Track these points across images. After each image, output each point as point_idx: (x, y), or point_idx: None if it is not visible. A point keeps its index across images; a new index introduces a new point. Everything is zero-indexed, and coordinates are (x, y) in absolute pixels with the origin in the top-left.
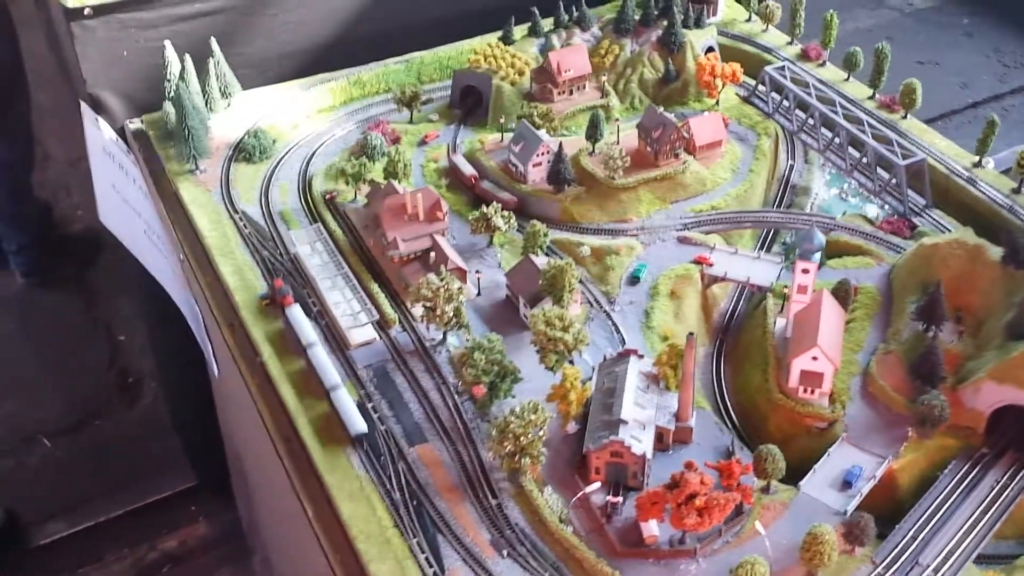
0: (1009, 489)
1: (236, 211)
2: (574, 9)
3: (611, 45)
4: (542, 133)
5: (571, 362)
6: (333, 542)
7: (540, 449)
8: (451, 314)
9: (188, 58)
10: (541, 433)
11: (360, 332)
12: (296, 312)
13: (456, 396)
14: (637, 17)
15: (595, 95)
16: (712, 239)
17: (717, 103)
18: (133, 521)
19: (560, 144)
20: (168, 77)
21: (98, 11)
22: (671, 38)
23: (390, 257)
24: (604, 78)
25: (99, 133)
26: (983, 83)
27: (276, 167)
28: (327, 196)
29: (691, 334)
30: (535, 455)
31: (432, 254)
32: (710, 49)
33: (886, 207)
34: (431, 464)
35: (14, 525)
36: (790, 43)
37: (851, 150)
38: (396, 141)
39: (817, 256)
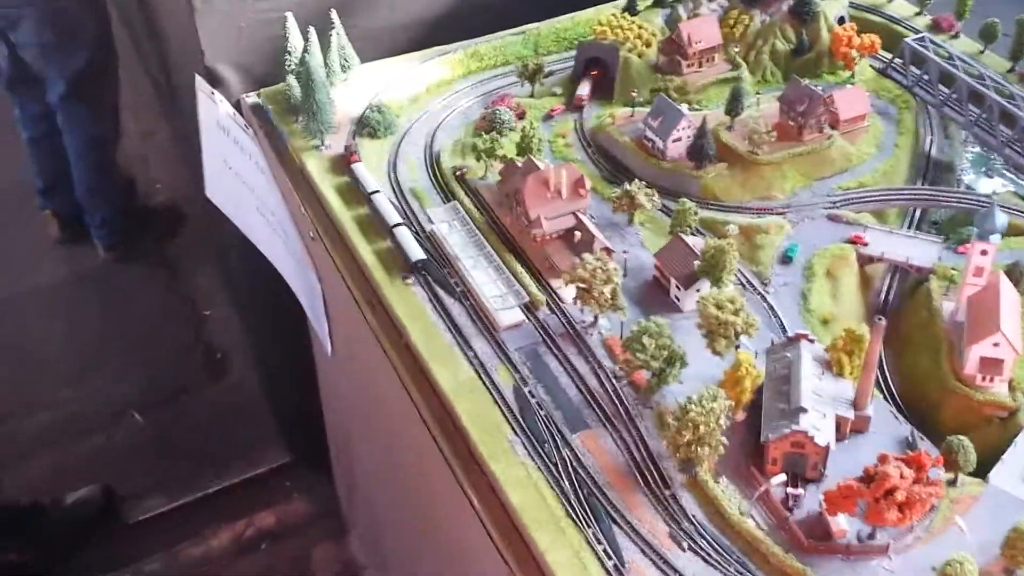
0: None
1: (368, 188)
2: None
3: (740, 15)
4: (682, 107)
5: (737, 347)
6: (502, 531)
7: (720, 439)
8: (608, 296)
9: (312, 31)
10: (722, 421)
11: (509, 314)
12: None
13: (614, 380)
14: None
15: (725, 67)
16: (864, 217)
17: (853, 76)
18: (230, 497)
19: (704, 118)
20: (289, 50)
21: None
22: (804, 7)
23: (532, 236)
24: (736, 49)
25: (214, 107)
26: None
27: (400, 142)
28: (457, 172)
29: (880, 318)
30: (714, 445)
31: (577, 233)
32: (841, 20)
33: None
34: (596, 452)
35: (111, 501)
36: (919, 13)
37: (1002, 126)
38: (521, 116)
39: (998, 237)
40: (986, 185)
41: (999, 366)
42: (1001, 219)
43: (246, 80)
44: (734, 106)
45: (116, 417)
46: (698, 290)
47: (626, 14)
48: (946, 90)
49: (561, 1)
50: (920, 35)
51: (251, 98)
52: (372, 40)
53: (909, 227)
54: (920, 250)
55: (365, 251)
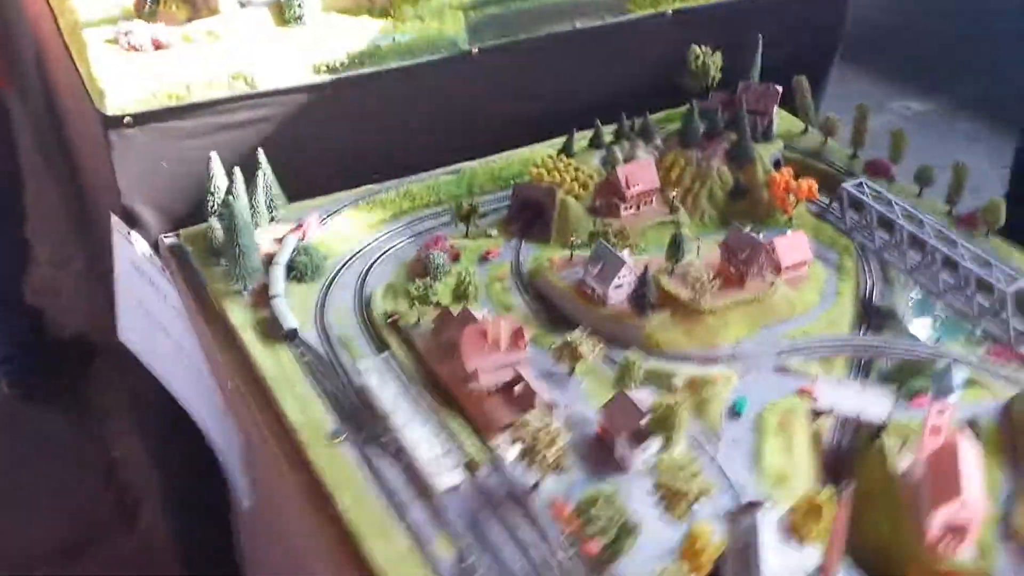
0: None
1: (294, 334)
2: (635, 120)
3: (676, 158)
4: (623, 253)
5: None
6: None
7: None
8: (552, 458)
9: (238, 171)
10: None
11: (447, 477)
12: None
13: (562, 551)
14: (702, 129)
15: (663, 210)
16: (812, 368)
17: (791, 220)
18: None
19: (646, 267)
20: (212, 190)
21: (138, 120)
22: (740, 151)
23: (470, 390)
24: (674, 193)
25: (131, 248)
26: (999, 191)
27: (329, 286)
28: (390, 319)
29: (845, 485)
30: None
31: (517, 387)
32: (777, 163)
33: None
34: None
35: None
36: (853, 156)
37: (943, 274)
38: (456, 258)
39: (956, 397)
40: (929, 334)
41: (963, 531)
42: (959, 377)
43: (165, 220)
44: (675, 252)
45: (20, 569)
46: (644, 450)
47: (562, 155)
48: (885, 235)
49: (495, 140)
50: (858, 180)
51: (170, 239)
52: (299, 179)
53: (856, 378)
54: (871, 403)
55: (291, 407)
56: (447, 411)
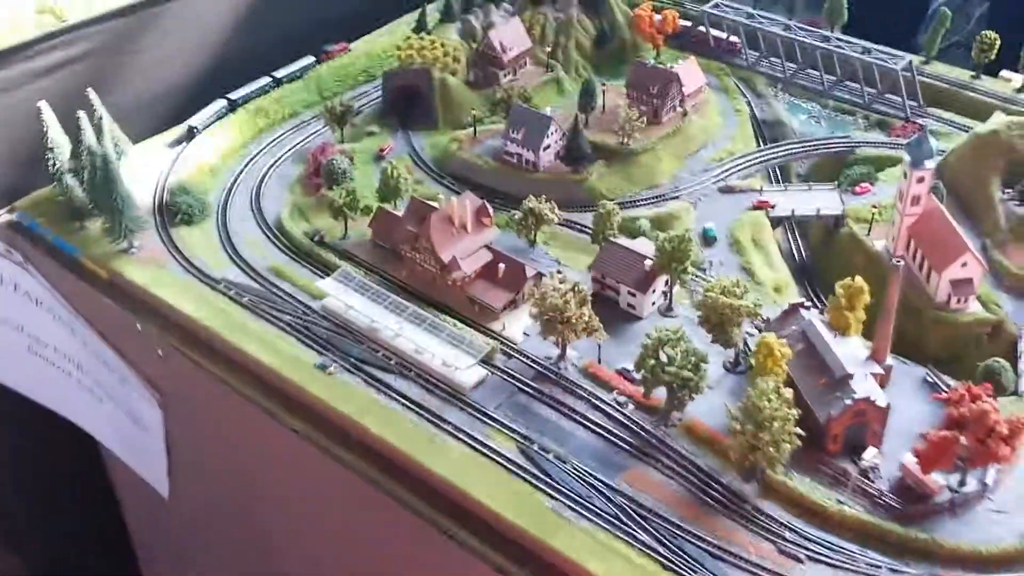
0: None
1: (217, 281)
2: None
3: (534, 16)
4: (546, 111)
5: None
6: None
7: (794, 431)
8: (586, 321)
9: (84, 116)
10: (793, 412)
11: (470, 373)
12: None
13: (620, 408)
14: None
15: (539, 70)
16: (755, 183)
17: (658, 54)
18: None
19: (575, 117)
20: (50, 146)
21: None
22: None
23: (450, 281)
24: (547, 49)
25: None
26: None
27: (224, 222)
28: (316, 237)
29: (898, 261)
30: (790, 439)
31: (500, 266)
32: (633, 5)
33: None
34: (649, 488)
35: None
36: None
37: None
38: (350, 161)
39: (933, 162)
40: (817, 132)
41: (970, 286)
42: (931, 145)
43: None
44: (589, 101)
45: None
46: (654, 291)
47: (421, 35)
48: (754, 51)
49: (308, 40)
50: (713, 2)
51: (3, 216)
52: (134, 115)
53: (777, 183)
54: (824, 200)
55: (258, 351)
56: (429, 310)
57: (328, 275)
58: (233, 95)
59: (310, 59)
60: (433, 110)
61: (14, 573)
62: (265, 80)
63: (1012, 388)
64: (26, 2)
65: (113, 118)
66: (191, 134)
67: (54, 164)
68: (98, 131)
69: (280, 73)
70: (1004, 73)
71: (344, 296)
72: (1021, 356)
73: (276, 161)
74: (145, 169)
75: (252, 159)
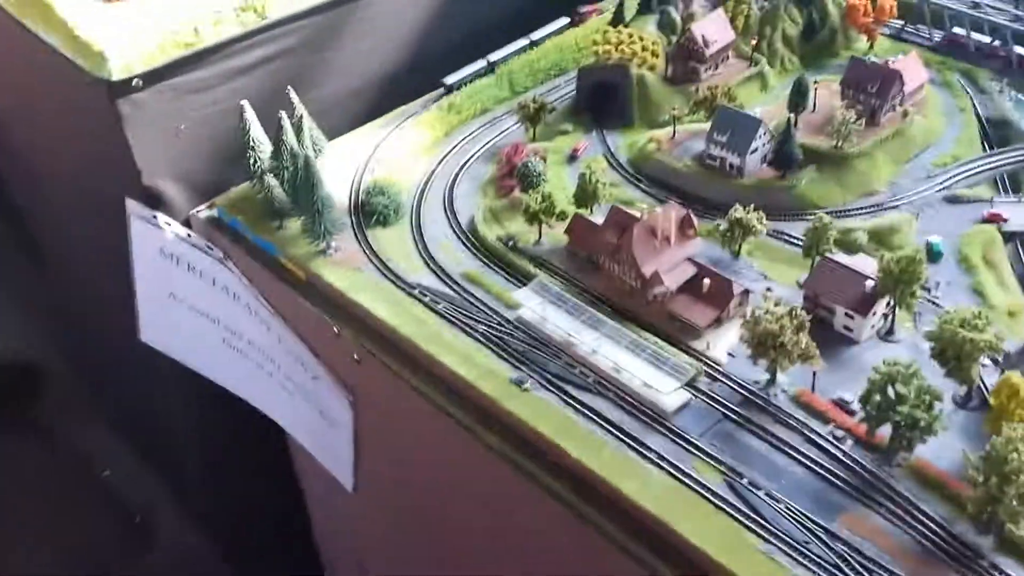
0: None
1: (412, 286)
2: None
3: (739, 5)
4: (754, 112)
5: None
6: None
7: None
8: (803, 347)
9: (284, 116)
10: None
11: (674, 396)
12: None
13: (838, 444)
14: None
15: (743, 64)
16: (984, 192)
17: (872, 47)
18: None
19: (789, 120)
20: (252, 144)
21: (147, 80)
22: None
23: (651, 297)
24: (753, 42)
25: (156, 232)
26: None
27: (419, 224)
28: (509, 243)
29: None
30: None
31: (705, 281)
32: None
33: None
34: (871, 535)
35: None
36: None
37: None
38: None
39: None
40: None
41: None
42: None
43: (192, 193)
44: (800, 101)
45: None
46: (874, 313)
47: (617, 28)
48: (981, 39)
49: (503, 32)
50: None
51: (205, 212)
52: (331, 112)
53: (1008, 193)
54: None
55: (454, 362)
56: (627, 325)
57: (522, 283)
58: (493, 56)
59: (564, 20)
60: (629, 108)
61: (205, 551)
62: (522, 42)
63: None
64: (226, 1)
65: (311, 112)
66: (448, 90)
67: (255, 163)
68: (298, 130)
69: (536, 35)
70: None
71: (540, 308)
72: None
73: (468, 160)
74: (341, 167)
75: (444, 158)
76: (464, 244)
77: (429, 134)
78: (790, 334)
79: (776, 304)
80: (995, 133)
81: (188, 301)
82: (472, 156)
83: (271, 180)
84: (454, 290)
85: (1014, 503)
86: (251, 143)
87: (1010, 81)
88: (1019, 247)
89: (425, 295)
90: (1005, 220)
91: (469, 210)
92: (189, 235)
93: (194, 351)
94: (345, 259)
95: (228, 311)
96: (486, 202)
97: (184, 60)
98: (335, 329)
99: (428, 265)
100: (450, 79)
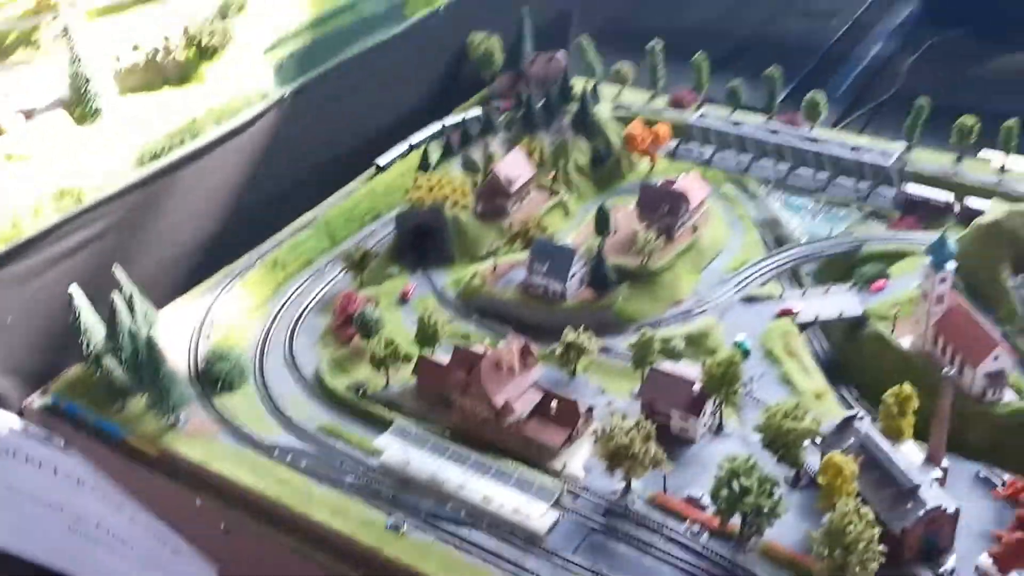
0: None
1: (271, 448)
2: (444, 121)
3: (532, 143)
4: (567, 243)
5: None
6: None
7: (877, 548)
8: (652, 454)
9: (118, 298)
10: (875, 531)
11: (543, 519)
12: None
13: (695, 538)
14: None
15: (543, 196)
16: (773, 290)
17: (653, 168)
18: None
19: (599, 247)
20: (83, 328)
21: None
22: (586, 119)
23: (507, 425)
24: (551, 175)
25: None
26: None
27: (264, 383)
28: (360, 391)
29: (948, 373)
30: (875, 557)
31: (553, 403)
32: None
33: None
34: None
35: None
36: (654, 96)
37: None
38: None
39: (953, 263)
40: (820, 229)
41: (1003, 377)
42: (952, 248)
43: (21, 382)
44: (605, 226)
45: None
46: (704, 413)
47: (424, 173)
48: (742, 156)
49: (323, 179)
50: (700, 114)
51: (40, 399)
52: (154, 282)
53: (793, 288)
54: (844, 301)
55: (327, 517)
56: (488, 455)
57: (381, 429)
58: (413, 139)
59: (371, 170)
60: (449, 247)
61: None
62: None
63: None
64: (42, 190)
65: (137, 285)
66: (378, 171)
67: (89, 346)
68: (130, 308)
69: (345, 188)
70: (984, 152)
71: (403, 451)
72: None
73: (302, 314)
74: (175, 336)
75: (278, 314)
76: (314, 397)
77: (258, 292)
78: (640, 444)
79: (623, 417)
80: (770, 233)
81: (28, 492)
82: (305, 309)
83: (110, 362)
84: (314, 445)
85: (857, 570)
86: (83, 328)
87: (776, 187)
88: (812, 335)
89: (286, 455)
90: (796, 313)
91: (312, 363)
92: (26, 427)
93: (35, 543)
94: (197, 430)
95: (74, 498)
96: (328, 353)
97: (5, 255)
98: (196, 501)
99: (283, 424)
100: (414, 139)
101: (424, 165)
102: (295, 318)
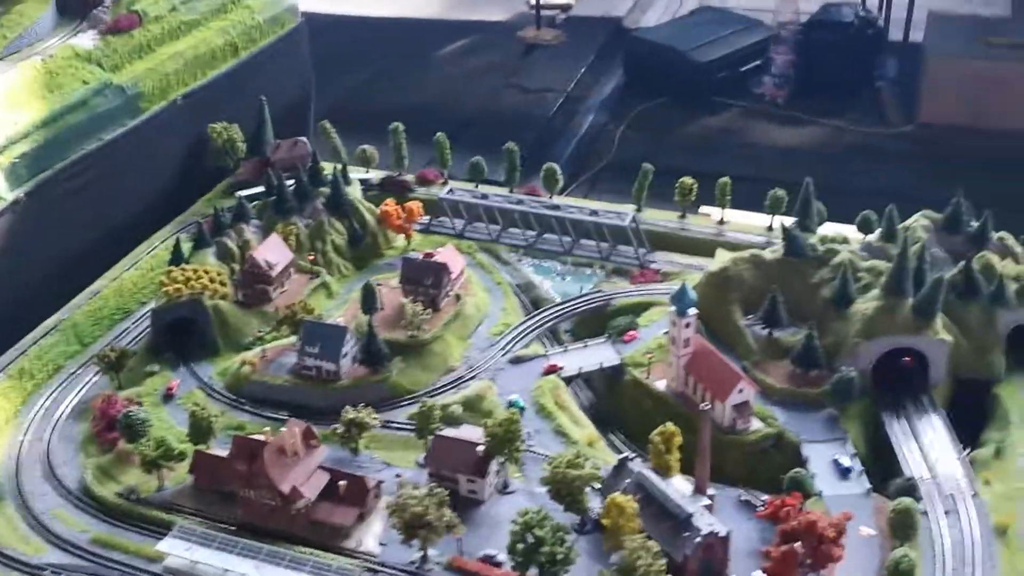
0: None
1: (41, 569)
2: (219, 210)
3: (287, 227)
4: (338, 321)
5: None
6: None
7: None
8: (447, 520)
9: None
10: (663, 563)
11: None
12: None
13: None
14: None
15: (304, 278)
16: (536, 348)
17: (409, 243)
18: None
19: (370, 323)
20: None
21: None
22: (339, 201)
23: (296, 511)
24: (311, 257)
25: None
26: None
27: (23, 501)
28: (131, 496)
29: (705, 407)
30: None
31: (341, 483)
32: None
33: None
34: None
35: None
36: (399, 175)
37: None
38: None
39: (695, 308)
40: (571, 288)
41: (749, 407)
42: (691, 294)
43: None
44: (371, 304)
45: None
46: (490, 473)
47: (180, 266)
48: (492, 225)
49: (65, 283)
50: (448, 190)
51: None
52: None
53: (560, 344)
54: (603, 353)
55: None
56: (280, 544)
57: (161, 534)
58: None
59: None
60: (211, 337)
61: None
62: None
63: (813, 492)
64: None
65: None
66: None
67: None
68: None
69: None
70: (704, 209)
71: (188, 553)
72: (808, 460)
73: (56, 423)
74: None
75: (30, 426)
76: (81, 509)
77: (6, 406)
78: (434, 511)
79: (415, 487)
80: (527, 297)
81: None
82: (60, 417)
83: None
84: (88, 560)
85: None
86: None
87: (525, 251)
88: (576, 388)
89: (59, 573)
90: (560, 368)
91: (75, 473)
92: None
93: None
94: None
95: None
96: (91, 461)
97: None
98: None
99: (51, 542)
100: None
101: (177, 258)
102: (51, 428)
